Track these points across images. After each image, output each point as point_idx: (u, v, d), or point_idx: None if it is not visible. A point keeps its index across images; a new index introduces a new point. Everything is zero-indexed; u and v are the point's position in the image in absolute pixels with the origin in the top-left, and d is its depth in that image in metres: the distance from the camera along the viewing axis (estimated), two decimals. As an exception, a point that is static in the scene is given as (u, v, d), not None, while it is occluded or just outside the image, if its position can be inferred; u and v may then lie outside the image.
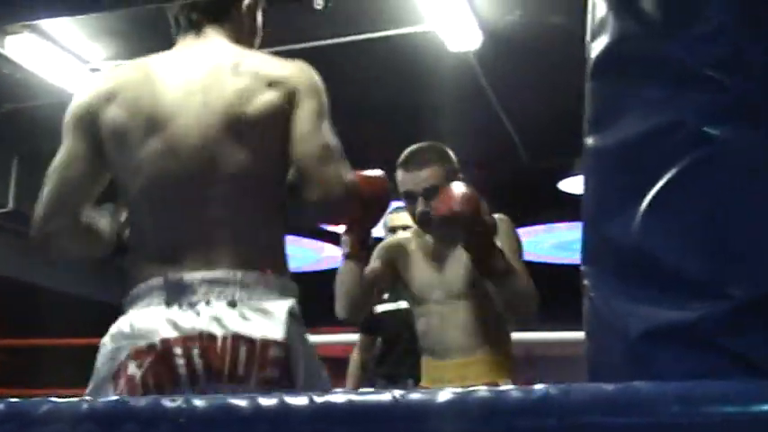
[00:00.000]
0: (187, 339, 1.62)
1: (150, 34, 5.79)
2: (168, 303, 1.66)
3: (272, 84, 1.80)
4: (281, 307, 1.67)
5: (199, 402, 1.01)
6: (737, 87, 1.01)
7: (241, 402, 1.00)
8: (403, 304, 3.68)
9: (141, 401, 1.04)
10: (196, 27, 1.93)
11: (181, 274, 1.68)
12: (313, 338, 1.78)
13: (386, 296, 3.75)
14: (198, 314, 1.64)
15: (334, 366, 5.15)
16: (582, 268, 1.14)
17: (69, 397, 1.08)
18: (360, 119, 6.96)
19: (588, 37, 1.16)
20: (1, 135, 6.78)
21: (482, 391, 0.96)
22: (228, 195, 1.74)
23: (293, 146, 1.76)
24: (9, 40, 5.56)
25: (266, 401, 1.00)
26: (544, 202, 7.86)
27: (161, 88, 1.83)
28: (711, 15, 1.02)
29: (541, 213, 8.40)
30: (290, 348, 1.64)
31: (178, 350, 1.61)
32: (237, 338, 1.61)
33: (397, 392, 0.98)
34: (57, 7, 1.50)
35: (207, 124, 1.75)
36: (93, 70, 6.12)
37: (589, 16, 1.16)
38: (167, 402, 1.02)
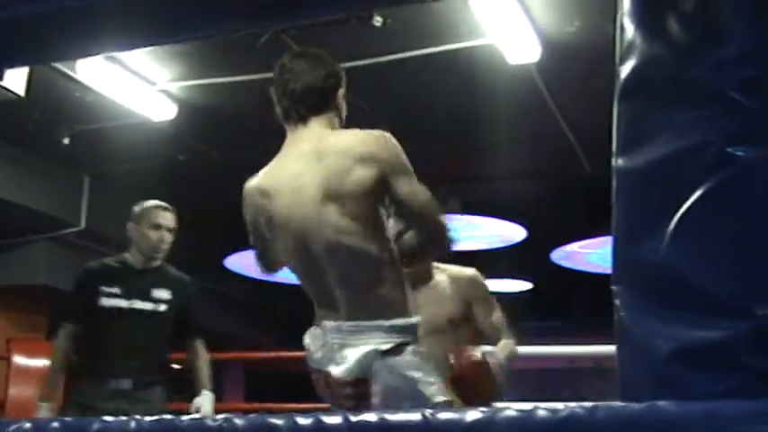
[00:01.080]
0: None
1: (212, 55, 5.93)
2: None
3: (361, 160, 2.16)
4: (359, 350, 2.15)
5: (239, 421, 1.06)
6: (759, 109, 1.02)
7: (278, 421, 1.04)
8: None
9: (186, 421, 1.08)
10: (303, 119, 2.33)
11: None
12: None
13: None
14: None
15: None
16: (612, 287, 1.15)
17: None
18: (421, 134, 6.99)
19: (617, 60, 1.17)
20: (73, 156, 6.96)
21: (510, 410, 0.98)
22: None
23: (400, 208, 2.17)
24: (80, 63, 5.72)
25: (303, 420, 1.04)
26: (609, 211, 7.80)
27: (277, 182, 2.32)
28: (736, 39, 1.03)
29: (606, 223, 8.32)
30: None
31: None
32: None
33: (428, 412, 1.01)
34: (130, 39, 1.59)
35: (299, 205, 2.22)
36: (161, 92, 6.26)
37: (617, 39, 1.18)
38: (209, 422, 1.06)
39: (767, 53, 1.02)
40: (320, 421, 1.03)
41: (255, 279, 9.77)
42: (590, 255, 8.54)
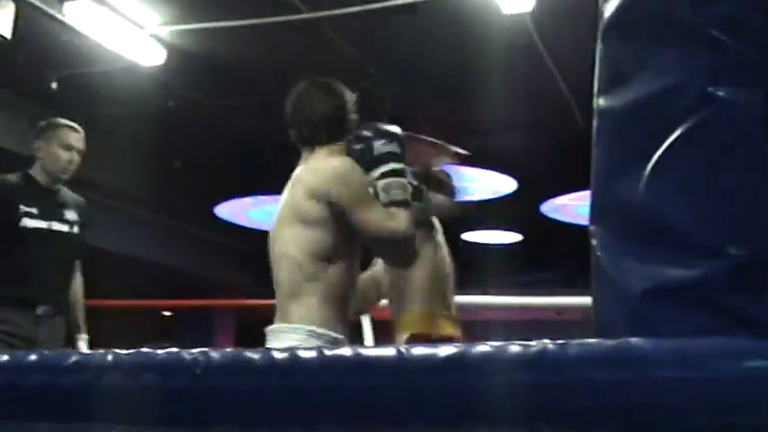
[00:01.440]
0: None
1: (203, 0, 5.87)
2: None
3: (311, 194, 2.42)
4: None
5: (215, 355, 1.06)
6: (740, 48, 1.01)
7: (254, 355, 1.05)
8: None
9: (162, 354, 1.09)
10: (316, 143, 2.62)
11: None
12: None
13: None
14: None
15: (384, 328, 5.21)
16: (590, 227, 1.15)
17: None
18: (415, 80, 6.96)
19: (601, -1, 1.17)
20: (61, 100, 6.92)
21: (483, 345, 0.99)
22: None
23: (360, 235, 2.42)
24: (67, 6, 5.66)
25: (278, 355, 1.04)
26: (600, 165, 7.80)
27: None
28: (718, -23, 1.02)
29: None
30: None
31: None
32: None
33: (403, 348, 1.01)
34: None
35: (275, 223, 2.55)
36: (150, 36, 6.21)
37: (602, -22, 1.17)
38: (185, 355, 1.07)
39: (748, -9, 1.01)
40: (295, 356, 1.04)
41: (245, 227, 9.80)
42: (580, 207, 8.55)
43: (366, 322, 5.37)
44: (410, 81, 6.93)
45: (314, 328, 2.34)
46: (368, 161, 2.48)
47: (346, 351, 1.03)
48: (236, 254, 10.65)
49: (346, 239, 2.40)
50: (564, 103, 7.17)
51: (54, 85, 6.64)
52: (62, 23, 5.75)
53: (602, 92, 1.15)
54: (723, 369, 0.90)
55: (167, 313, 11.95)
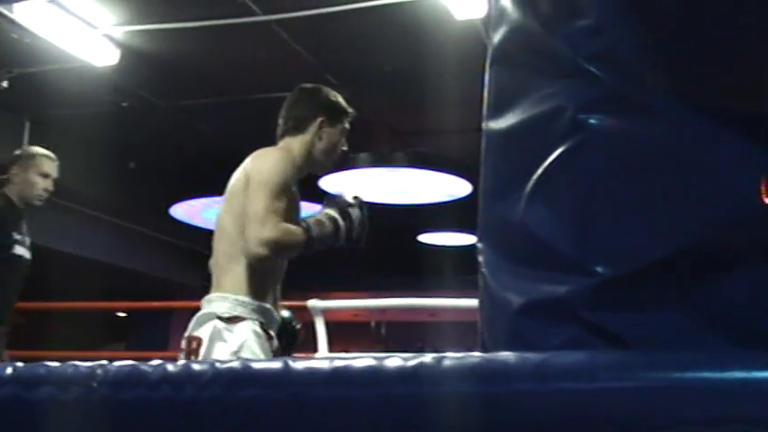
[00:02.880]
0: None
1: (156, 0, 5.87)
2: None
3: (244, 174, 2.70)
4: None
5: (111, 367, 1.10)
6: (609, 79, 1.07)
7: (147, 368, 1.09)
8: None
9: (56, 366, 1.13)
10: (281, 136, 2.90)
11: None
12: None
13: None
14: None
15: (344, 330, 5.24)
16: (477, 245, 1.21)
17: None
18: (369, 84, 7.00)
19: (489, 25, 1.22)
20: (13, 100, 6.89)
21: (365, 359, 1.04)
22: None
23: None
24: (18, 5, 5.64)
25: (171, 367, 1.09)
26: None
27: None
28: (592, 11, 1.08)
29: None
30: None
31: None
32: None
33: (290, 361, 1.06)
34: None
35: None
36: (104, 36, 6.20)
37: (491, 5, 1.22)
38: (82, 368, 1.11)
39: (619, 26, 1.07)
40: (188, 368, 1.08)
41: (201, 228, 9.80)
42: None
43: (320, 324, 5.40)
44: (364, 85, 6.97)
45: (240, 296, 2.59)
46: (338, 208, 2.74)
47: (236, 364, 1.07)
48: (191, 254, 10.64)
49: None
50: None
51: (5, 84, 6.61)
52: (13, 22, 5.73)
53: (488, 116, 1.21)
54: (581, 381, 0.95)
55: (122, 315, 11.88)
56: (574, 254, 1.06)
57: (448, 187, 8.37)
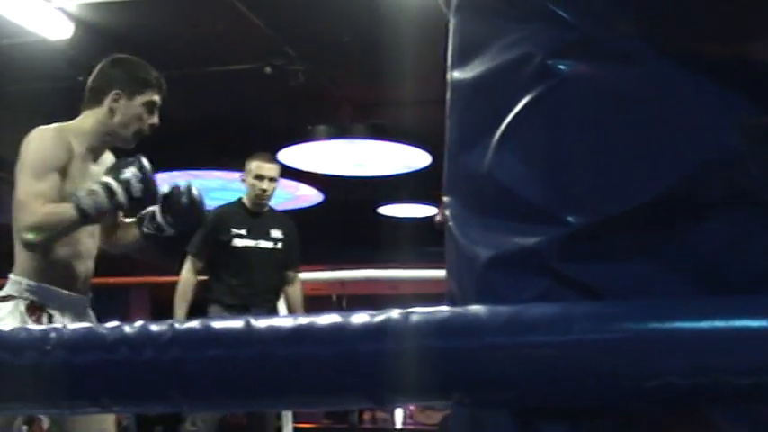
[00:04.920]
0: None
1: (110, -28, 5.76)
2: None
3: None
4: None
5: (65, 330, 1.06)
6: (580, 23, 1.03)
7: (104, 331, 1.05)
8: None
9: (8, 331, 1.08)
10: (81, 108, 2.89)
11: None
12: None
13: None
14: None
15: (304, 304, 5.22)
16: (444, 199, 1.18)
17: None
18: (325, 58, 6.94)
19: (453, -28, 1.18)
20: (-35, 75, 6.74)
21: (330, 316, 1.00)
22: None
23: None
24: (-33, -22, 5.51)
25: (128, 329, 1.04)
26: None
27: None
28: (557, -47, 1.04)
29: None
30: None
31: None
32: None
33: (251, 319, 1.02)
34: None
35: None
36: (57, 9, 6.07)
37: (454, -49, 1.18)
38: (34, 331, 1.07)
39: (587, -33, 1.04)
40: (146, 329, 1.04)
41: (159, 204, 9.68)
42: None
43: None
44: (323, 57, 6.91)
45: (19, 277, 2.70)
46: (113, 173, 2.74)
47: (196, 323, 1.03)
48: (151, 231, 10.52)
49: None
50: (477, 77, 7.24)
51: (-43, 60, 6.46)
52: (-38, -4, 5.60)
53: (453, 65, 1.17)
54: (555, 333, 0.92)
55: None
56: (544, 204, 1.03)
57: (407, 159, 8.34)
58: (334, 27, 6.53)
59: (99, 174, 2.79)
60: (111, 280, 10.17)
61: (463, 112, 1.15)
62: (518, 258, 1.03)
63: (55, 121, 4.40)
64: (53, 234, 2.65)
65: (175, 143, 8.50)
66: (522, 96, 1.05)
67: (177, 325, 1.03)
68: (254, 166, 4.73)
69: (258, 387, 1.00)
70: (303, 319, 1.00)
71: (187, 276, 4.69)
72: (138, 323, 1.05)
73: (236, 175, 5.15)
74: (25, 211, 2.62)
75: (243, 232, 4.66)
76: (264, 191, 4.68)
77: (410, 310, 0.97)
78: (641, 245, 1.02)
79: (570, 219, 1.01)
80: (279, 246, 4.75)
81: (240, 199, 4.84)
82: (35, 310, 2.69)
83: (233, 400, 1.05)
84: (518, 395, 0.95)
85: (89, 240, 2.84)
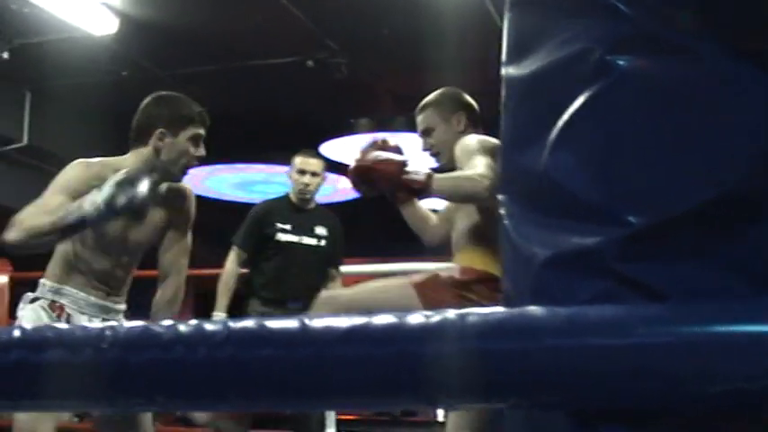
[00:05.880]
0: None
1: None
2: None
3: None
4: None
5: (120, 328, 1.06)
6: (639, 18, 1.02)
7: (159, 329, 1.05)
8: None
9: (65, 329, 1.09)
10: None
11: None
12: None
13: None
14: None
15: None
16: (498, 196, 1.16)
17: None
18: (366, 50, 6.92)
19: (509, -33, 1.16)
20: (13, 71, 6.81)
21: (386, 316, 0.99)
22: None
23: None
24: (16, -25, 5.57)
25: (183, 327, 1.04)
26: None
27: None
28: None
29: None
30: None
31: None
32: None
33: (306, 319, 1.01)
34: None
35: None
36: (102, 5, 6.12)
37: (510, -53, 1.17)
38: (92, 330, 1.07)
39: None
40: (201, 328, 1.03)
41: (202, 196, 9.74)
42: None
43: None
44: (364, 49, 6.90)
45: (43, 280, 2.82)
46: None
47: (250, 322, 1.03)
48: (192, 224, 10.58)
49: None
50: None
51: (5, 55, 6.53)
52: (11, -8, 5.66)
53: (507, 62, 1.16)
54: (618, 336, 0.91)
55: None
56: (603, 203, 1.01)
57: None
58: (375, 19, 6.51)
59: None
60: (153, 272, 10.23)
61: (518, 108, 1.14)
62: (576, 258, 1.01)
63: (99, 115, 4.46)
64: (25, 236, 2.66)
65: (218, 137, 8.54)
66: (580, 93, 1.03)
67: (232, 324, 1.03)
68: (298, 161, 4.75)
69: (312, 387, 1.00)
70: (358, 320, 0.99)
71: (231, 267, 4.72)
72: (193, 322, 1.05)
73: (279, 168, 5.18)
74: (21, 212, 2.71)
75: (287, 227, 4.68)
76: (307, 185, 4.69)
77: (467, 310, 0.96)
78: (701, 245, 1.00)
79: (630, 218, 0.99)
80: (322, 243, 4.76)
81: (287, 194, 4.86)
82: (56, 308, 2.80)
83: (286, 400, 1.04)
84: (576, 397, 0.94)
85: (123, 256, 2.88)
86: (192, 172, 9.62)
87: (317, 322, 1.00)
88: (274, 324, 1.02)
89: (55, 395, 1.08)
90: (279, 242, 4.63)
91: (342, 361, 0.97)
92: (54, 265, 2.84)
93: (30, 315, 2.79)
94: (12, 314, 5.89)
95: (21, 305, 2.86)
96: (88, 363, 1.04)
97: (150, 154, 2.86)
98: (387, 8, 6.26)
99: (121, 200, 2.62)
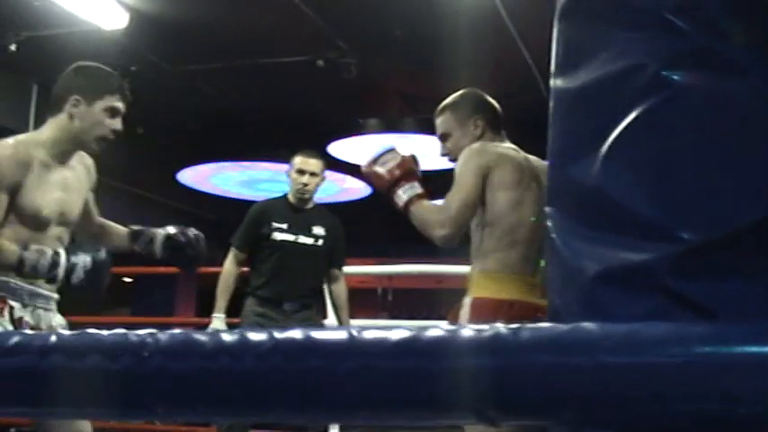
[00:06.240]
0: None
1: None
2: None
3: None
4: None
5: (162, 336, 1.04)
6: (695, 33, 1.00)
7: (203, 338, 1.03)
8: None
9: (105, 335, 1.07)
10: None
11: None
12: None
13: None
14: None
15: (350, 297, 5.22)
16: (546, 209, 1.15)
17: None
18: (377, 51, 6.91)
19: (558, -22, 1.15)
20: (21, 63, 6.79)
21: (436, 329, 0.98)
22: None
23: None
24: (26, -32, 5.55)
25: (227, 337, 1.03)
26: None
27: None
28: (672, -40, 1.01)
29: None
30: None
31: None
32: None
33: (354, 330, 1.00)
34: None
35: None
36: (111, -1, 6.11)
37: (559, -44, 1.15)
38: (132, 337, 1.05)
39: (704, -24, 1.00)
40: (245, 338, 1.02)
41: (207, 193, 9.74)
42: (543, 177, 8.56)
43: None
44: (375, 50, 6.89)
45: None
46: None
47: (297, 333, 1.01)
48: (196, 220, 10.56)
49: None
50: (527, 72, 7.17)
51: (13, 48, 6.51)
52: (21, -15, 5.64)
53: (557, 73, 1.14)
54: (673, 354, 0.89)
55: (128, 280, 11.88)
56: (657, 218, 0.99)
57: (458, 154, 8.28)
58: (387, 20, 6.50)
59: (68, 178, 2.83)
60: (157, 269, 10.25)
61: (567, 121, 1.12)
62: (628, 274, 1.00)
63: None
64: None
65: (225, 134, 8.54)
66: (633, 107, 1.02)
67: (278, 335, 1.01)
68: (298, 160, 4.69)
69: (359, 401, 0.98)
70: (408, 333, 0.98)
71: (229, 268, 4.72)
72: (238, 332, 1.03)
73: (286, 167, 5.15)
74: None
75: (283, 226, 4.65)
76: (305, 185, 4.64)
77: (519, 325, 0.95)
78: (753, 263, 0.99)
79: (684, 235, 0.98)
80: (320, 243, 4.71)
81: (285, 194, 4.85)
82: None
83: (332, 413, 1.03)
84: (630, 416, 0.93)
85: (55, 243, 2.88)
86: (198, 168, 9.64)
87: (366, 334, 0.99)
88: (321, 335, 1.01)
89: (93, 403, 1.07)
90: (274, 242, 4.60)
91: (390, 374, 0.96)
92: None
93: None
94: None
95: None
96: (127, 371, 1.03)
97: (65, 122, 2.79)
98: (398, 9, 6.24)
99: (79, 277, 2.74)
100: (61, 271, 2.70)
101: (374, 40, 6.76)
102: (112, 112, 2.81)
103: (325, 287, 5.07)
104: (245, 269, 4.80)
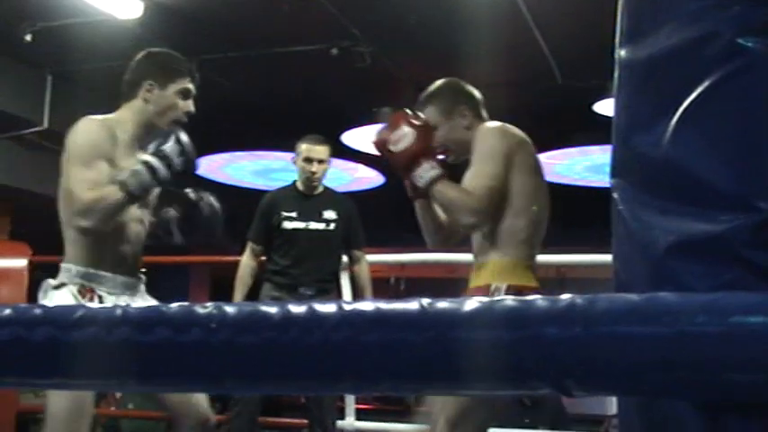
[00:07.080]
0: None
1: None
2: None
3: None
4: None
5: (229, 309, 1.04)
6: (773, -2, 0.99)
7: (270, 309, 1.02)
8: None
9: (173, 308, 1.06)
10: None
11: None
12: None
13: None
14: None
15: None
16: (611, 181, 1.13)
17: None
18: (391, 39, 6.89)
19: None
20: (35, 53, 6.78)
21: (510, 300, 0.97)
22: None
23: None
24: (41, -43, 5.54)
25: (295, 309, 1.02)
26: (578, 124, 7.78)
27: None
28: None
29: (575, 136, 8.30)
30: None
31: None
32: None
33: (425, 302, 0.99)
34: None
35: None
36: (126, -12, 6.09)
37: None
38: (199, 309, 1.04)
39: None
40: (313, 310, 1.01)
41: (221, 183, 9.72)
42: (556, 166, 8.55)
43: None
44: (389, 39, 6.86)
45: (68, 264, 2.77)
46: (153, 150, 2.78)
47: (366, 305, 1.00)
48: (210, 211, 10.56)
49: None
50: (543, 60, 7.14)
51: (28, 38, 6.50)
52: (36, -26, 5.63)
53: (624, 42, 1.13)
54: (754, 324, 0.88)
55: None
56: (732, 189, 0.98)
57: (472, 142, 8.26)
58: (401, 9, 6.48)
59: None
60: (171, 258, 10.26)
61: (635, 92, 1.11)
62: (703, 245, 0.99)
63: (120, 98, 4.44)
64: (103, 217, 2.70)
65: (238, 123, 8.52)
66: (707, 76, 1.01)
67: (346, 306, 1.00)
68: (304, 148, 4.71)
69: (432, 371, 0.97)
70: (481, 303, 0.97)
71: (245, 261, 4.73)
72: (305, 304, 1.02)
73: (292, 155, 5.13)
74: (73, 199, 2.68)
75: (293, 214, 4.68)
76: (314, 173, 4.66)
77: (595, 295, 0.94)
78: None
79: (761, 205, 0.97)
80: (332, 227, 4.72)
81: (294, 182, 4.85)
82: (86, 292, 2.79)
83: (405, 384, 1.02)
84: (710, 385, 0.91)
85: (137, 226, 2.91)
86: (212, 158, 9.64)
87: (438, 305, 0.98)
88: (391, 306, 1.00)
89: (160, 375, 1.06)
90: (286, 230, 4.64)
91: (465, 345, 0.95)
92: (78, 249, 2.82)
93: (59, 303, 2.75)
94: (30, 298, 5.89)
95: (42, 292, 2.83)
96: (196, 343, 1.02)
97: (140, 107, 2.88)
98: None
99: (179, 162, 2.73)
100: (163, 168, 2.71)
101: (388, 28, 6.73)
102: (185, 94, 2.91)
103: (341, 271, 5.08)
104: (263, 258, 4.81)
